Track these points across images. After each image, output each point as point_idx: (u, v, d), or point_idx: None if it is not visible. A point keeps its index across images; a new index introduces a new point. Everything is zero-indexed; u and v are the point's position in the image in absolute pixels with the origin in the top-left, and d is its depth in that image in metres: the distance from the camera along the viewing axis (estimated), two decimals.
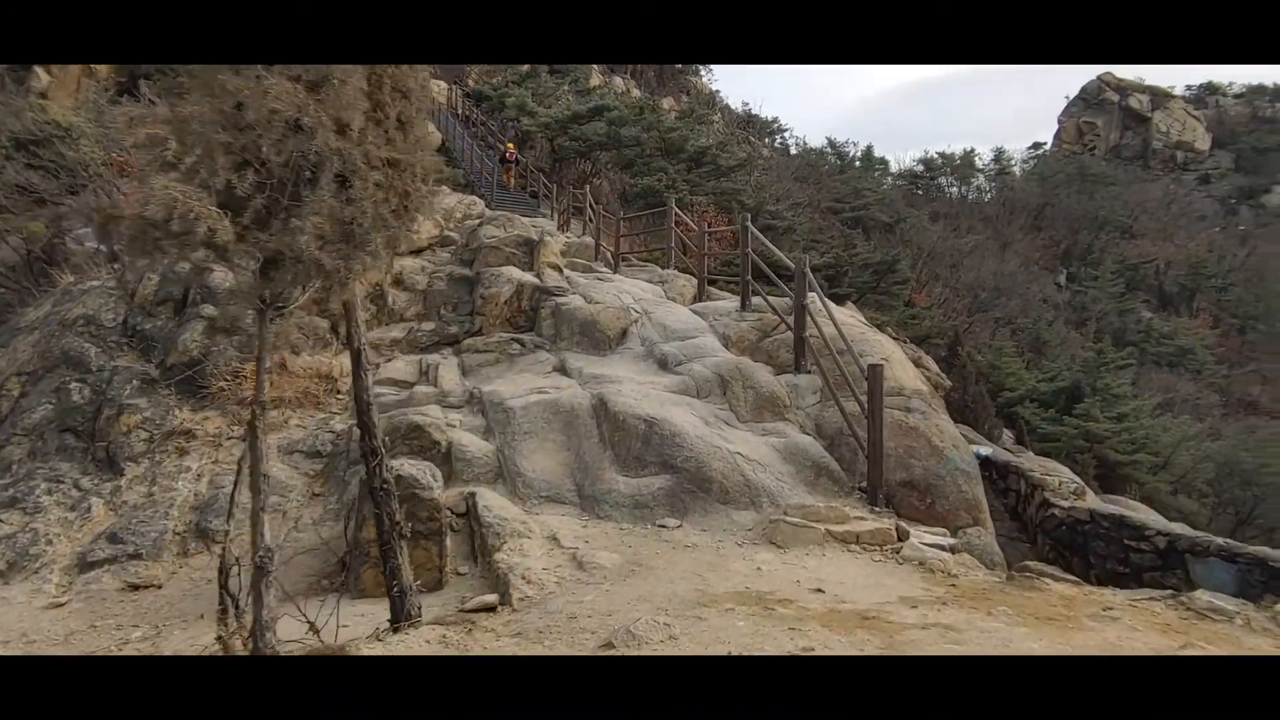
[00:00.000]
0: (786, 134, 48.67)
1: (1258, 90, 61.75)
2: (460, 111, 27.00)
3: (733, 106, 47.96)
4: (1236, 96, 62.05)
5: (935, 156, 51.76)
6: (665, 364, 8.46)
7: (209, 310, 8.22)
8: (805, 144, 49.38)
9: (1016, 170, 55.67)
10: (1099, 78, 62.23)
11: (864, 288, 25.43)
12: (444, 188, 18.85)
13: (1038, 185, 49.42)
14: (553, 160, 26.16)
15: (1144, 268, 40.45)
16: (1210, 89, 63.22)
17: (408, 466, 5.74)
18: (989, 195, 51.53)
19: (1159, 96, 60.10)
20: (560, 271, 10.90)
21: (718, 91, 48.14)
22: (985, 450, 9.28)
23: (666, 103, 39.82)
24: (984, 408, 18.57)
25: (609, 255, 13.56)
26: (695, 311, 9.84)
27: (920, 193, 49.16)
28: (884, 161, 51.38)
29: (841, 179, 40.31)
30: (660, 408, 7.08)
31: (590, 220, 14.99)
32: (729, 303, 9.93)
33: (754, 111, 47.49)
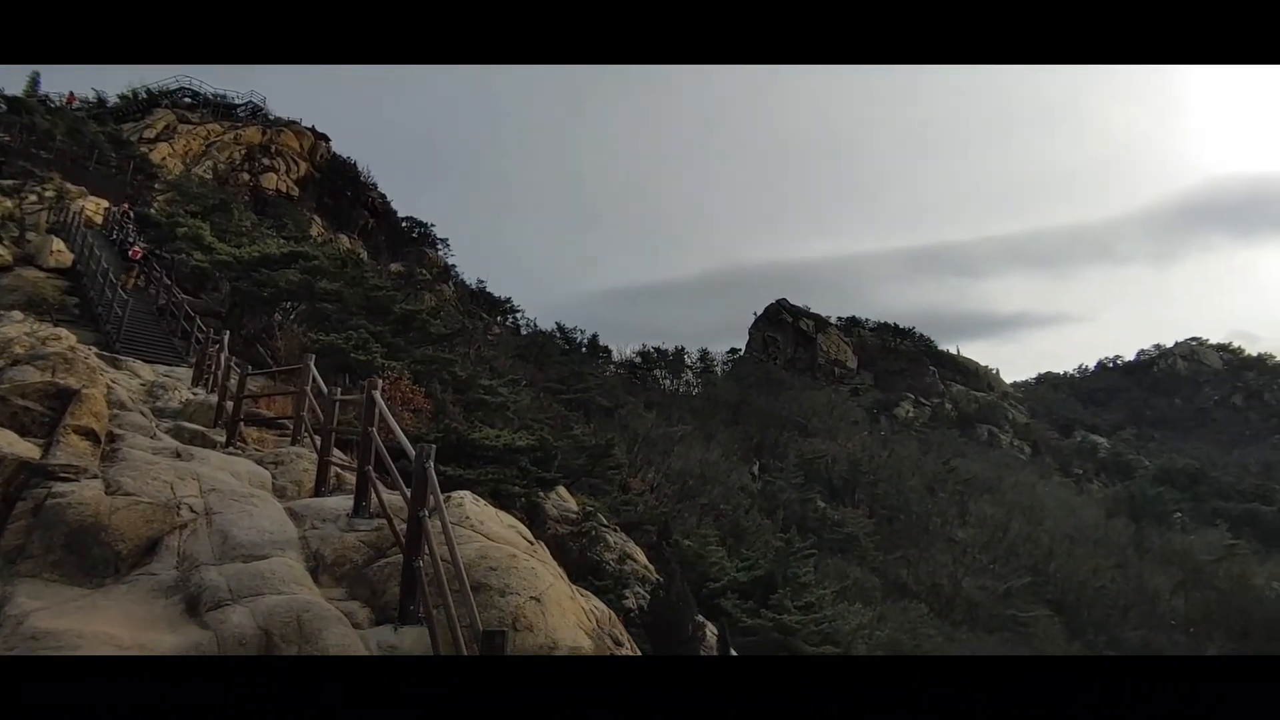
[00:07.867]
0: (519, 314, 48.33)
1: (885, 327, 76.56)
2: (117, 235, 21.62)
3: (468, 281, 46.90)
4: (870, 330, 76.17)
5: (651, 350, 54.79)
6: (196, 605, 4.94)
7: None
8: (536, 325, 49.36)
9: (718, 370, 61.02)
10: (777, 302, 72.94)
11: (579, 471, 23.65)
12: (16, 311, 13.56)
13: (735, 385, 54.23)
14: (232, 306, 21.65)
15: (817, 462, 44.72)
16: (853, 321, 77.03)
17: None
18: (696, 390, 55.27)
19: (820, 322, 71.69)
20: (98, 441, 6.96)
21: (453, 265, 46.98)
22: None
23: (394, 267, 37.31)
24: (687, 606, 16.98)
25: (228, 419, 9.79)
26: (294, 512, 6.52)
27: (638, 382, 51.04)
28: (607, 350, 53.06)
29: (565, 361, 40.07)
30: None
31: (218, 373, 11.14)
32: (345, 501, 6.80)
33: (488, 289, 46.77)
